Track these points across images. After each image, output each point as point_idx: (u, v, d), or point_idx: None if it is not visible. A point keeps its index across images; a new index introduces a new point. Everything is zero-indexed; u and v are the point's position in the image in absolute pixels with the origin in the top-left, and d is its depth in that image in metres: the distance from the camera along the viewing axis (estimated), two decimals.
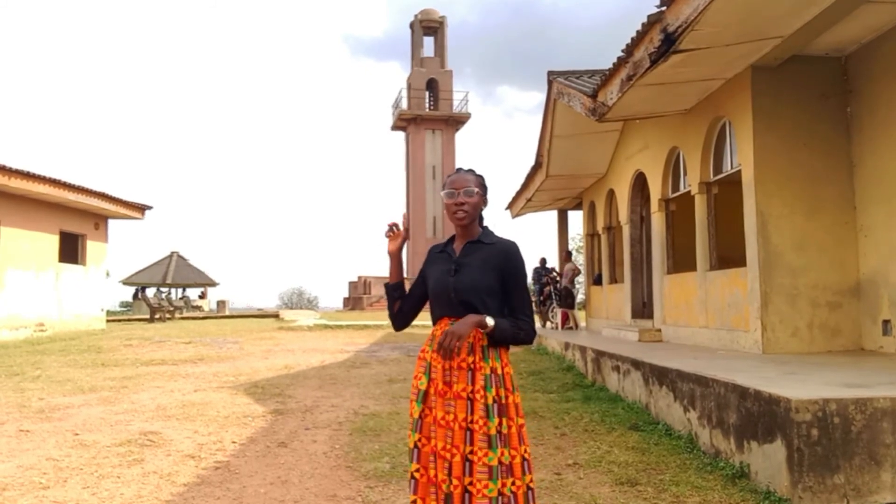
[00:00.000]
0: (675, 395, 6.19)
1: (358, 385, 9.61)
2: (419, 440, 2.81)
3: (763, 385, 4.87)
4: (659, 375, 6.67)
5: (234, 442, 6.19)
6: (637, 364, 7.39)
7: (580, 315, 17.66)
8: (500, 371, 2.82)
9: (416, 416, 2.83)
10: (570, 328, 16.19)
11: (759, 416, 4.65)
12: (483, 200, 2.96)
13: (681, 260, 11.09)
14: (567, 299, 16.63)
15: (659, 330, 11.01)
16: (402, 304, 3.08)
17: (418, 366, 2.93)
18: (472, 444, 2.70)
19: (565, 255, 18.30)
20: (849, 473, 4.22)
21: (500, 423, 2.74)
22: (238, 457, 5.67)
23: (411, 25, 45.85)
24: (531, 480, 2.79)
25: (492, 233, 2.98)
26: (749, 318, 8.27)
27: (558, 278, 17.25)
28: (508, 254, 2.89)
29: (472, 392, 2.76)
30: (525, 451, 2.80)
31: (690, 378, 5.89)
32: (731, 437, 5.05)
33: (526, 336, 2.89)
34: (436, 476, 2.74)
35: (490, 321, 2.77)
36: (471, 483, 2.68)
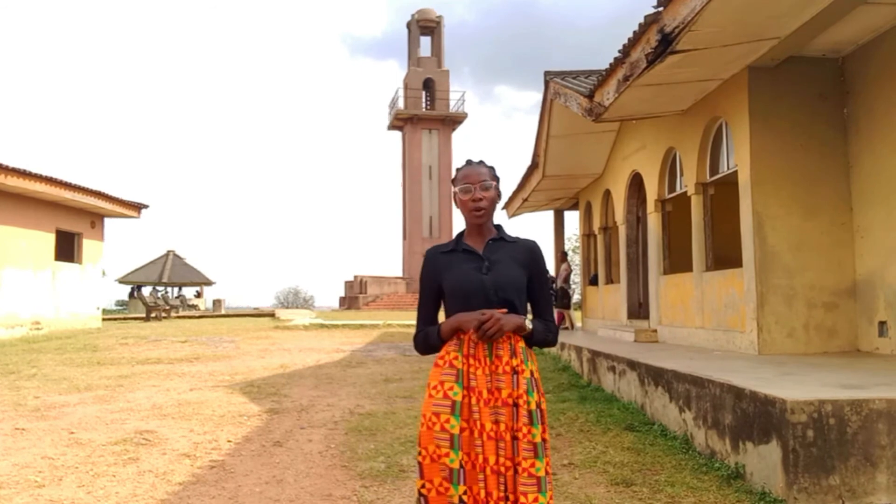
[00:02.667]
0: (671, 395, 6.19)
1: (354, 384, 9.61)
2: (462, 458, 2.51)
3: (759, 386, 4.87)
4: (655, 376, 6.67)
5: (229, 441, 6.18)
6: (633, 364, 7.39)
7: (576, 315, 17.67)
8: (535, 375, 2.65)
9: (455, 431, 2.52)
10: (566, 328, 16.19)
11: (755, 417, 4.66)
12: (498, 193, 2.77)
13: (677, 260, 11.09)
14: (563, 299, 16.63)
15: (655, 330, 11.01)
16: (430, 329, 2.78)
17: (439, 373, 2.62)
18: (517, 453, 2.51)
19: (560, 256, 18.32)
20: (844, 474, 4.22)
21: (543, 431, 2.59)
22: (233, 456, 5.67)
23: (408, 25, 45.85)
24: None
25: (506, 231, 2.83)
26: (745, 318, 8.28)
27: (554, 281, 17.24)
28: (534, 253, 2.77)
29: (516, 397, 2.56)
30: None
31: (686, 379, 5.89)
32: (726, 437, 5.05)
33: (553, 338, 2.77)
34: (487, 496, 2.48)
35: (529, 324, 2.66)
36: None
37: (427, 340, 2.74)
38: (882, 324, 7.64)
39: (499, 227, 2.81)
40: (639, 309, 13.08)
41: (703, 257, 9.66)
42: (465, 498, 2.49)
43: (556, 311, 16.34)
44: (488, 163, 2.82)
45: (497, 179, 2.78)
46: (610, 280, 15.18)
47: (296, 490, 4.74)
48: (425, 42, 45.87)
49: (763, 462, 4.49)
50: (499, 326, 2.53)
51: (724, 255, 9.61)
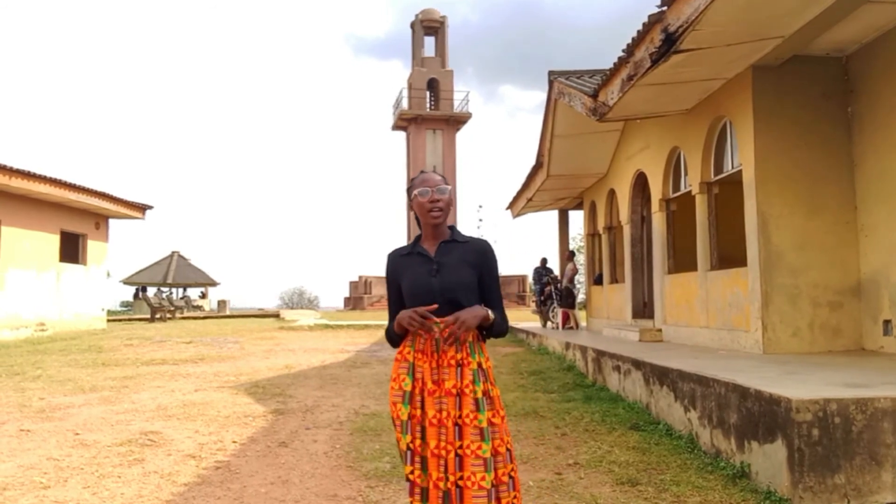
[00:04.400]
0: (676, 394, 6.19)
1: (359, 385, 9.61)
2: (411, 442, 2.82)
3: (764, 385, 4.87)
4: (660, 375, 6.66)
5: (234, 442, 6.19)
6: (638, 364, 7.39)
7: (581, 315, 17.67)
8: (483, 366, 2.89)
9: (404, 417, 2.83)
10: (571, 328, 16.18)
11: (760, 416, 4.65)
12: (451, 200, 3.01)
13: (681, 260, 11.08)
14: (567, 299, 16.62)
15: (660, 330, 11.00)
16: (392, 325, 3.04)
17: (397, 367, 2.92)
18: (461, 438, 2.76)
19: (567, 255, 18.30)
20: (849, 473, 4.22)
21: (492, 415, 2.82)
22: (239, 456, 5.67)
23: (412, 25, 45.81)
24: (515, 469, 2.90)
25: (460, 232, 3.04)
26: (750, 317, 8.27)
27: (559, 281, 17.23)
28: (485, 252, 2.99)
29: (461, 388, 2.80)
30: (510, 440, 2.90)
31: (691, 378, 5.89)
32: (731, 436, 5.05)
33: (504, 330, 3.01)
34: (428, 476, 2.76)
35: (491, 315, 2.88)
36: (461, 477, 2.73)
37: (389, 335, 3.03)
38: (886, 322, 7.63)
39: (452, 229, 3.04)
40: (643, 308, 13.07)
41: (707, 256, 9.65)
42: (410, 477, 2.80)
43: (560, 311, 16.39)
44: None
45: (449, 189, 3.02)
46: (614, 279, 15.17)
47: (301, 490, 4.75)
48: (429, 42, 45.83)
49: (768, 461, 4.48)
50: (465, 327, 2.78)
51: (729, 255, 9.60)
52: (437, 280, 2.87)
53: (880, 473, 4.24)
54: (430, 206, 2.92)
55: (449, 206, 2.96)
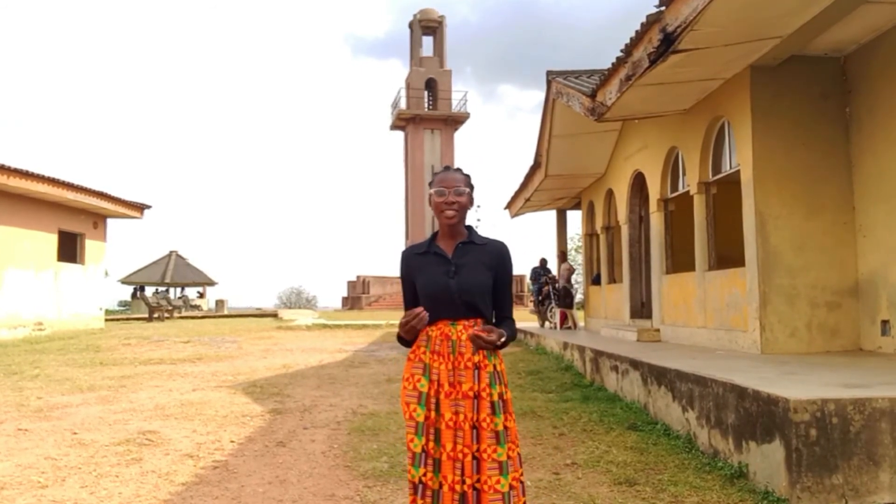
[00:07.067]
0: (674, 394, 6.19)
1: (356, 385, 9.61)
2: (426, 444, 2.78)
3: (761, 385, 4.87)
4: (657, 375, 6.67)
5: (232, 441, 6.19)
6: (635, 364, 7.39)
7: (579, 315, 17.68)
8: (498, 368, 2.89)
9: (419, 419, 2.79)
10: (569, 328, 16.18)
11: (758, 417, 4.65)
12: (470, 200, 2.96)
13: (679, 260, 11.09)
14: (565, 299, 16.62)
15: (657, 330, 11.01)
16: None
17: (410, 367, 2.88)
18: (479, 441, 2.75)
19: (559, 256, 18.36)
20: (847, 474, 4.22)
21: (505, 419, 2.82)
22: (236, 456, 5.67)
23: (410, 25, 45.82)
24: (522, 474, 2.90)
25: (478, 233, 3.00)
26: (748, 318, 8.27)
27: (557, 282, 17.25)
28: (502, 255, 2.96)
29: (479, 390, 2.79)
30: (518, 446, 2.90)
31: (689, 378, 5.89)
32: (729, 437, 5.05)
33: (513, 337, 2.98)
34: (443, 479, 2.75)
35: (504, 336, 2.86)
36: (478, 480, 2.72)
37: (402, 336, 2.94)
38: (884, 323, 7.64)
39: (470, 229, 3.00)
40: (641, 308, 13.08)
41: (705, 257, 9.65)
42: (424, 479, 2.76)
43: (558, 311, 16.39)
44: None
45: (471, 187, 2.97)
46: (612, 279, 15.17)
47: (299, 490, 4.75)
48: (427, 42, 45.83)
49: (766, 461, 4.49)
50: (491, 342, 2.76)
51: (727, 255, 9.60)
52: (455, 282, 2.84)
53: (878, 474, 4.24)
54: (444, 207, 2.89)
55: (466, 208, 2.92)
